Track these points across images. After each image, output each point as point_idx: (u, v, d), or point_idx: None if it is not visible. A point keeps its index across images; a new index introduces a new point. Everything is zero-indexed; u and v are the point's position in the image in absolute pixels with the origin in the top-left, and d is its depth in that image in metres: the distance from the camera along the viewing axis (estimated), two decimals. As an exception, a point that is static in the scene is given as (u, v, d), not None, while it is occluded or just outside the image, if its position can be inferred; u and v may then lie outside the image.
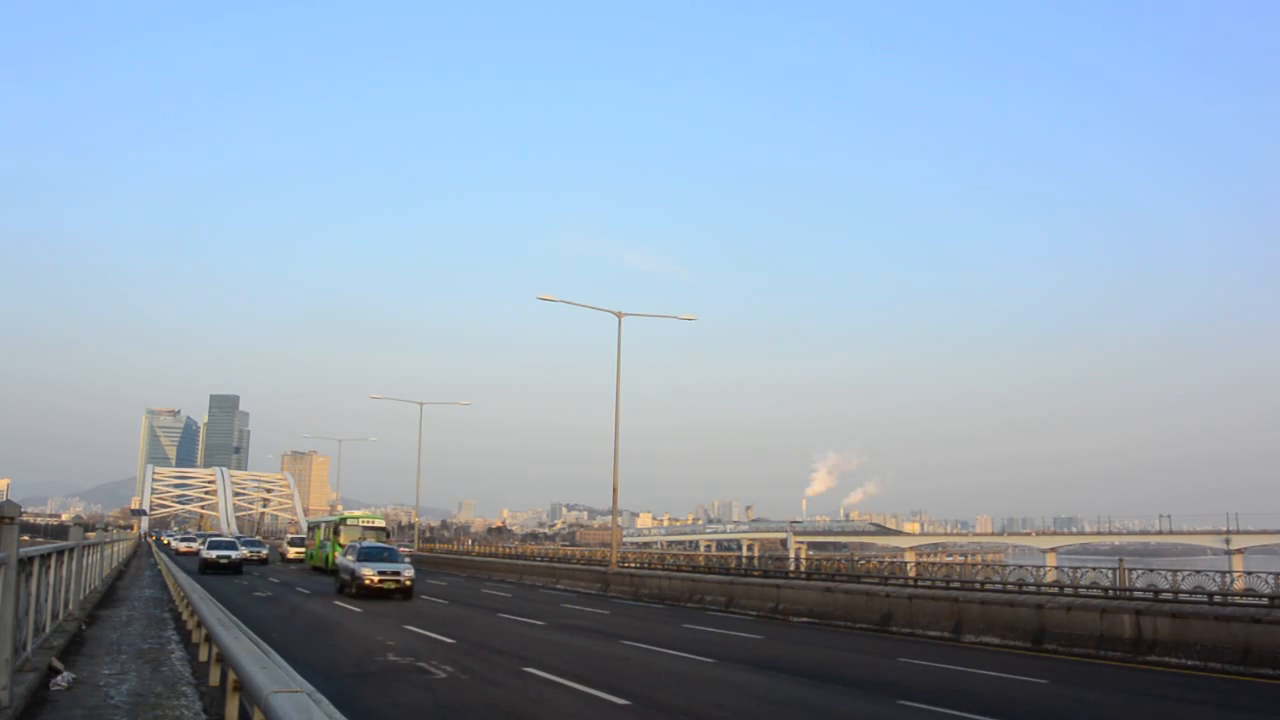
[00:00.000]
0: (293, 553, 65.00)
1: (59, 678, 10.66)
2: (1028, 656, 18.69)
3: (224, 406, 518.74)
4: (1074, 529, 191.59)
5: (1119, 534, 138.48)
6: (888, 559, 58.69)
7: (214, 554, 45.06)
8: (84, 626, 16.21)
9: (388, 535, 47.45)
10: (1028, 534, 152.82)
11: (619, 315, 36.70)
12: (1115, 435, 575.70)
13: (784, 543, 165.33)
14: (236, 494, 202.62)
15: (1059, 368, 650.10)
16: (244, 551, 50.35)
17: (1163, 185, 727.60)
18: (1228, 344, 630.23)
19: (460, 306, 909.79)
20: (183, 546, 76.25)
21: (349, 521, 46.63)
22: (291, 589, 34.36)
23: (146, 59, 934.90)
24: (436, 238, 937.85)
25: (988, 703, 12.66)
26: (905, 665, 16.92)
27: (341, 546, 41.09)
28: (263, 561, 59.90)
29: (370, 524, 46.58)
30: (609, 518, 47.80)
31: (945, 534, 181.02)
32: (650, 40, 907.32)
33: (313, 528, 56.97)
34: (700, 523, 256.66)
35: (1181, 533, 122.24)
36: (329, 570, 43.59)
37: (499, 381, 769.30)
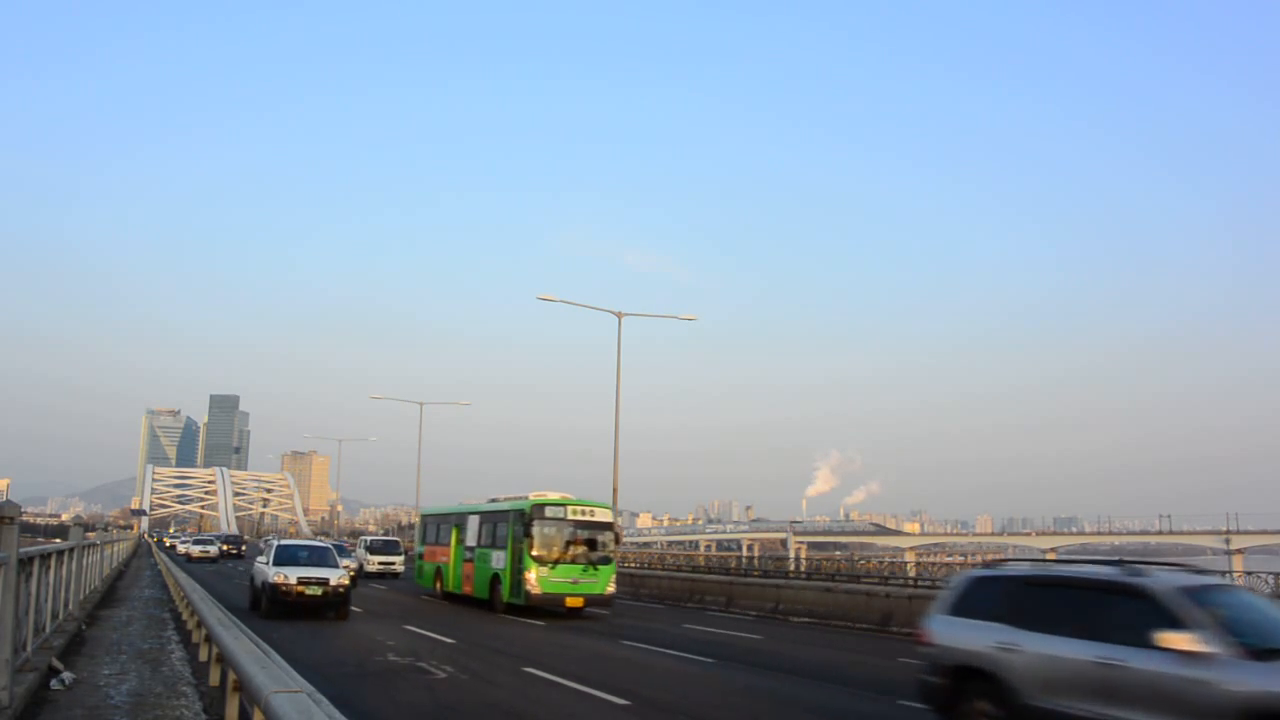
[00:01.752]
0: (376, 563, 43.69)
1: (59, 678, 10.66)
2: (1028, 656, 18.64)
3: (224, 406, 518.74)
4: (1074, 529, 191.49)
5: (1119, 534, 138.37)
6: (888, 559, 58.69)
7: (294, 576, 21.85)
8: (84, 626, 16.21)
9: (616, 538, 26.78)
10: (1028, 534, 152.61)
11: (619, 315, 36.69)
12: (1115, 435, 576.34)
13: (784, 543, 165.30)
14: (236, 494, 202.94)
15: (1059, 368, 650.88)
16: (343, 570, 23.45)
17: (1163, 185, 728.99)
18: (1228, 344, 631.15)
19: (460, 306, 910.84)
20: (196, 550, 61.19)
21: (548, 511, 24.68)
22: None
23: (146, 59, 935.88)
24: (436, 238, 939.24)
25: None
26: (905, 665, 16.91)
27: (535, 558, 23.83)
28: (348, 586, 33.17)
29: (587, 516, 25.40)
30: (609, 518, 47.13)
31: (945, 534, 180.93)
32: (650, 40, 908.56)
33: (439, 521, 31.96)
34: (700, 523, 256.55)
35: (1181, 533, 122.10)
36: (493, 601, 25.79)
37: (499, 381, 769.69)
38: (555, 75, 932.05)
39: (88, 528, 74.43)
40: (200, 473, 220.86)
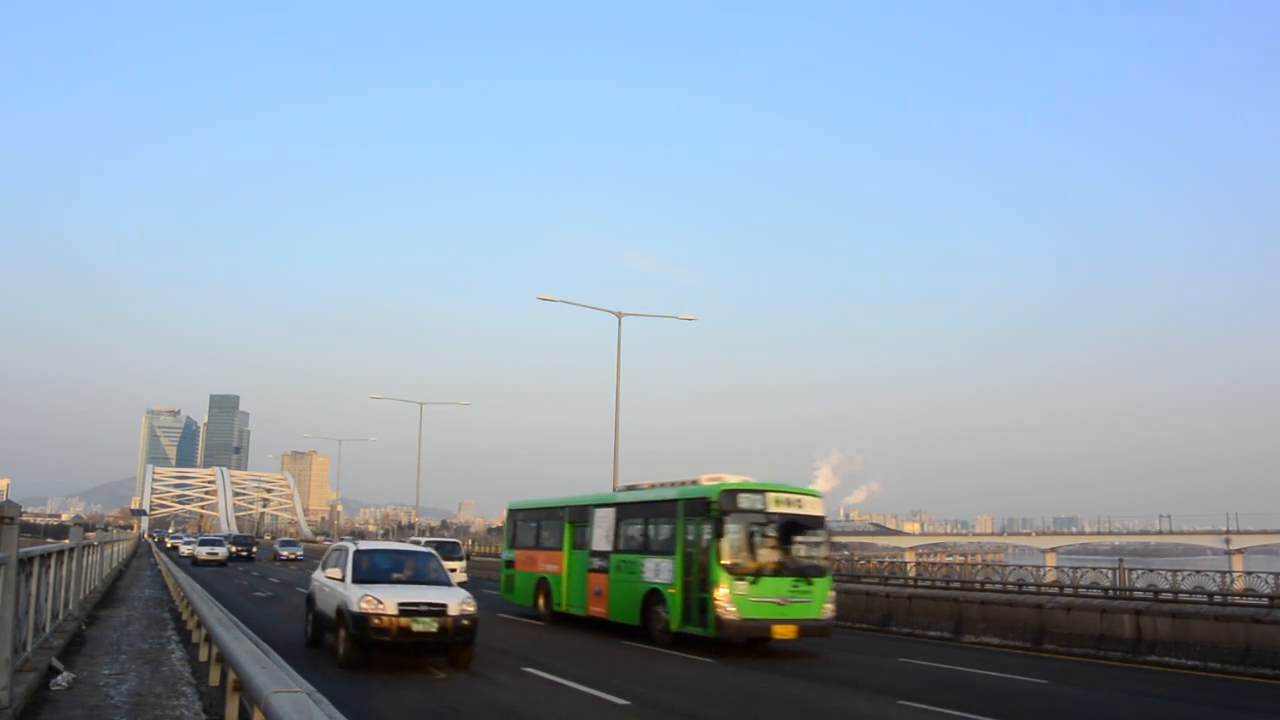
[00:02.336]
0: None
1: (59, 678, 10.65)
2: (1028, 656, 18.69)
3: (224, 406, 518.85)
4: (1074, 529, 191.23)
5: (1119, 534, 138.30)
6: (888, 559, 58.67)
7: (392, 601, 13.71)
8: (84, 626, 16.20)
9: (830, 537, 19.59)
10: (1028, 534, 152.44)
11: (619, 315, 36.67)
12: (1115, 435, 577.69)
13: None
14: (236, 494, 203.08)
15: (1059, 368, 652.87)
16: (464, 592, 14.87)
17: (1163, 185, 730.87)
18: (1228, 344, 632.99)
19: (460, 306, 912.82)
20: (203, 553, 53.86)
21: (742, 500, 17.78)
22: (291, 589, 34.27)
23: (147, 59, 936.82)
24: (437, 238, 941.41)
25: (988, 703, 12.66)
26: (905, 665, 16.92)
27: (728, 569, 16.97)
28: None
29: (795, 507, 18.17)
30: (609, 518, 46.56)
31: (945, 534, 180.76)
32: (650, 40, 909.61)
33: (540, 519, 25.25)
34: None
35: (1181, 533, 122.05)
36: (648, 629, 18.96)
37: (499, 381, 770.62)
38: (555, 76, 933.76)
39: (88, 528, 73.80)
40: (200, 473, 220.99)
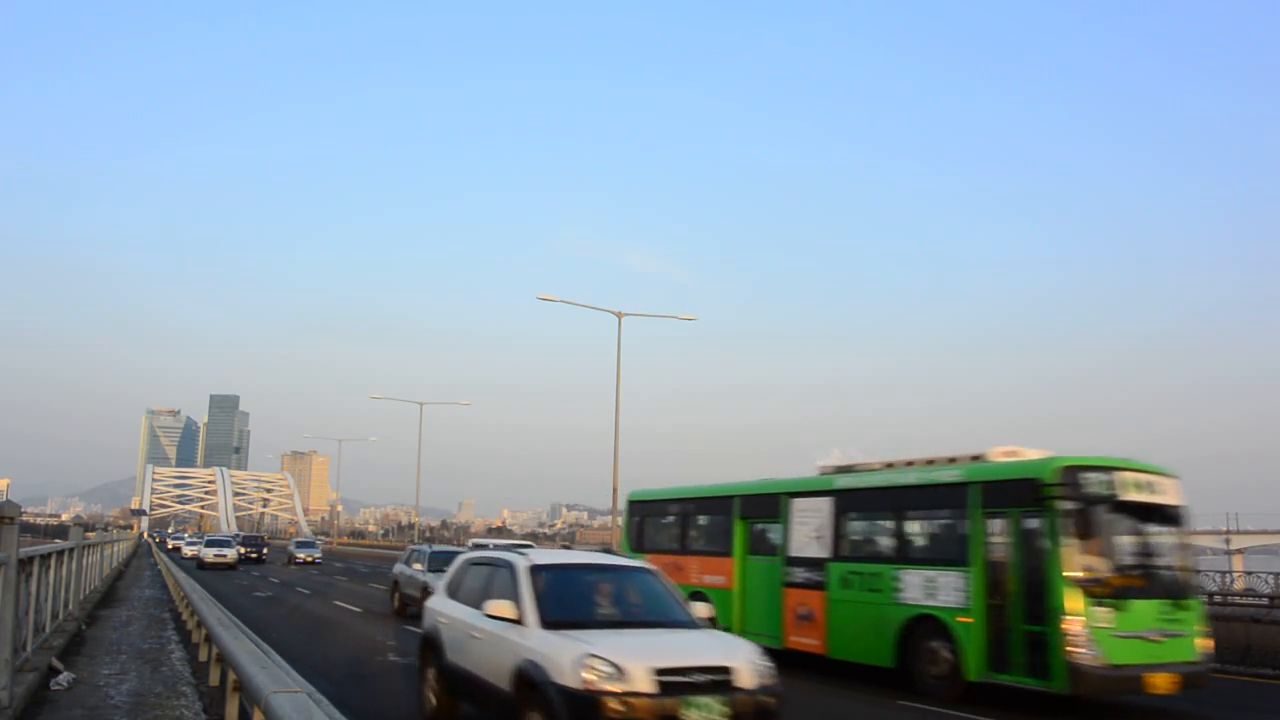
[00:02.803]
0: None
1: (59, 678, 10.65)
2: (1028, 656, 18.62)
3: (224, 406, 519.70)
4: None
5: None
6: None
7: (640, 665, 7.10)
8: (84, 626, 16.20)
9: (1190, 537, 13.37)
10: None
11: (619, 315, 36.67)
12: (1115, 435, 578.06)
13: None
14: (236, 494, 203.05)
15: (1059, 368, 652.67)
16: (746, 644, 8.13)
17: (1163, 185, 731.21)
18: (1228, 343, 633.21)
19: (460, 306, 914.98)
20: (210, 555, 47.78)
21: (1091, 482, 11.88)
22: (291, 588, 34.26)
23: (147, 59, 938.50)
24: (437, 238, 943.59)
25: (988, 703, 12.64)
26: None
27: (1082, 586, 11.26)
28: None
29: (1153, 494, 12.53)
30: (609, 518, 47.38)
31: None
32: (650, 40, 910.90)
33: (687, 513, 19.44)
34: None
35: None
36: (910, 672, 13.31)
37: (499, 381, 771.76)
38: (556, 76, 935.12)
39: (88, 528, 73.25)
40: (200, 473, 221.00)
